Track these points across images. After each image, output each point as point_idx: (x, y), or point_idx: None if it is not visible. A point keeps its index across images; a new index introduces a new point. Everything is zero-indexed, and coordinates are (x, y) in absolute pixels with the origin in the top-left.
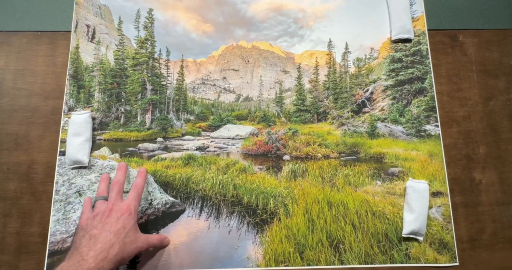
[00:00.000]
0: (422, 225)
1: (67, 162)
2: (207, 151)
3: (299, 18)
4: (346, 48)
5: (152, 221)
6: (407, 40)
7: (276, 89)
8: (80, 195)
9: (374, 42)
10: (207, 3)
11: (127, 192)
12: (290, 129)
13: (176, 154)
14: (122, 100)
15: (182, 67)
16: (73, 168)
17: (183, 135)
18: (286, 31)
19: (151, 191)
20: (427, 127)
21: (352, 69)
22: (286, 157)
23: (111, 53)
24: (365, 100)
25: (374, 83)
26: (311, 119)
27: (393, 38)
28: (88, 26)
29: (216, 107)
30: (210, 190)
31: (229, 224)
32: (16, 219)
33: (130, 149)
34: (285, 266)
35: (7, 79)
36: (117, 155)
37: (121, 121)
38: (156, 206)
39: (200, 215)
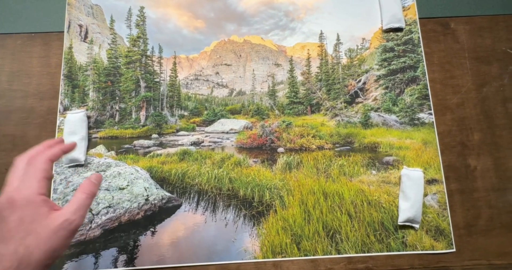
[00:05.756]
0: (417, 212)
1: (63, 160)
2: (202, 146)
3: (290, 11)
4: (338, 39)
5: (148, 216)
6: (398, 29)
7: (268, 82)
8: None
9: (365, 32)
10: None
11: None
12: (283, 121)
13: (171, 150)
14: (117, 98)
15: (174, 63)
16: (70, 167)
17: (177, 131)
18: (277, 25)
19: (147, 187)
20: (421, 115)
21: (344, 60)
22: (280, 149)
23: (104, 52)
24: (358, 91)
25: (366, 73)
26: (305, 111)
27: (384, 28)
28: (80, 26)
29: (209, 102)
30: (206, 184)
31: (225, 218)
32: None
33: (126, 146)
34: (282, 257)
35: (3, 81)
36: (113, 152)
37: (116, 119)
38: (153, 202)
39: (196, 209)
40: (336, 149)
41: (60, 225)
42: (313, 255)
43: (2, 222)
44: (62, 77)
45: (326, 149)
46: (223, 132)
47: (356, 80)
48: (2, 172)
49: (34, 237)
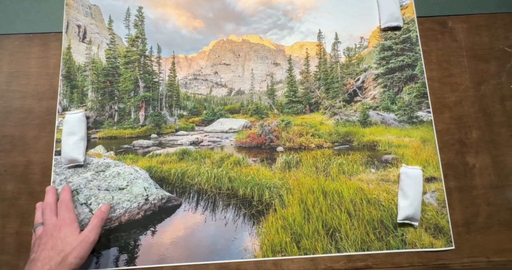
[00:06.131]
0: (416, 210)
1: (63, 161)
2: (201, 145)
3: (288, 10)
4: (336, 38)
5: (148, 216)
6: (397, 28)
7: (267, 81)
8: (77, 193)
9: (363, 31)
10: None
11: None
12: (282, 120)
13: (171, 150)
14: (115, 98)
15: (173, 63)
16: (69, 167)
17: (176, 130)
18: (276, 24)
19: (147, 187)
20: (419, 113)
21: (343, 59)
22: (279, 148)
23: (103, 52)
24: (357, 89)
25: (365, 72)
26: (304, 110)
27: (382, 27)
28: (79, 27)
29: (208, 102)
30: (206, 184)
31: (225, 217)
32: (15, 220)
33: (125, 146)
34: (282, 256)
35: (1, 82)
36: (112, 152)
37: (115, 119)
38: (152, 202)
39: (196, 208)
40: (335, 148)
41: (83, 239)
42: (313, 254)
43: (52, 238)
44: (60, 77)
45: (325, 147)
46: (222, 132)
47: (354, 79)
48: (1, 173)
49: (69, 246)
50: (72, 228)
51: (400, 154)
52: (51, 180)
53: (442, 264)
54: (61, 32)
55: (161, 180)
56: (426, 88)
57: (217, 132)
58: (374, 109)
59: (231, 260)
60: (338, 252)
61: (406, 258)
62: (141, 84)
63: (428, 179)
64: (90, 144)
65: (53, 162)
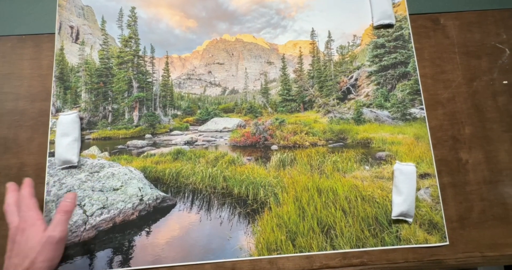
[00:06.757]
0: (410, 206)
1: (56, 162)
2: (196, 145)
3: (281, 9)
4: (329, 36)
5: (143, 217)
6: (389, 26)
7: (261, 80)
8: None
9: (356, 29)
10: None
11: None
12: (277, 119)
13: (165, 150)
14: (109, 99)
15: (167, 63)
16: (63, 168)
17: (171, 130)
18: (269, 23)
19: (142, 187)
20: (412, 110)
21: (336, 57)
22: (274, 147)
23: (96, 53)
24: (350, 87)
25: (358, 69)
26: (297, 108)
27: (375, 24)
28: (71, 28)
29: (202, 101)
30: (200, 183)
31: (220, 216)
32: None
33: (119, 146)
34: (277, 254)
35: None
36: (106, 153)
37: (109, 120)
38: (147, 202)
39: (191, 208)
40: (329, 146)
41: (46, 240)
42: (308, 251)
43: (15, 243)
44: (53, 78)
45: (320, 145)
46: (216, 131)
47: (348, 76)
48: None
49: (32, 251)
50: (34, 229)
51: (394, 151)
52: (45, 182)
53: (436, 259)
54: (54, 33)
55: (155, 180)
56: (419, 85)
57: (211, 132)
58: (368, 107)
59: (227, 259)
60: (334, 249)
61: (401, 254)
62: (135, 85)
63: (422, 176)
64: (84, 145)
65: (47, 164)
